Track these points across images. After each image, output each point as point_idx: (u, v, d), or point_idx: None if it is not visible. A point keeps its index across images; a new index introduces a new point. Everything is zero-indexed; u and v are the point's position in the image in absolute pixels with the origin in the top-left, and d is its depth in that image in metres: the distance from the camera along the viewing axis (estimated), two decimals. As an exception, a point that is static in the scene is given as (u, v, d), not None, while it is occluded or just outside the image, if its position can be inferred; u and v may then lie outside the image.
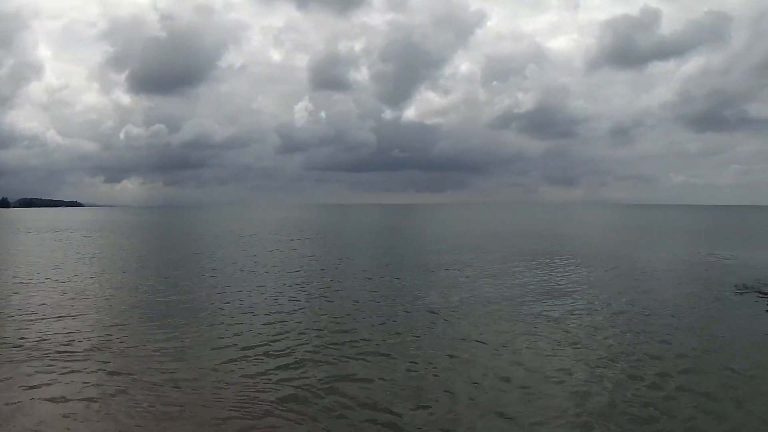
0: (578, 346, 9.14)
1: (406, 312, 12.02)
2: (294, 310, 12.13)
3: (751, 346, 9.09)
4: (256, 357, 8.52)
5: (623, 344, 9.26)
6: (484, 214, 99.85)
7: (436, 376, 7.73)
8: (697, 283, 15.71)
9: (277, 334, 9.95)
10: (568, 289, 14.80)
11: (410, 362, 8.30)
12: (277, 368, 7.97)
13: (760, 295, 13.33)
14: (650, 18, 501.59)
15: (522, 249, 26.91)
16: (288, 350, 8.93)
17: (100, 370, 7.91)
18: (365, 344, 9.31)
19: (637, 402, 6.67)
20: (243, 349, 8.95)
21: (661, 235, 41.37)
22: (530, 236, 37.38)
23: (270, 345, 9.20)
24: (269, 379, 7.48)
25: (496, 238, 36.52)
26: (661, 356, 8.45)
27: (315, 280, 16.83)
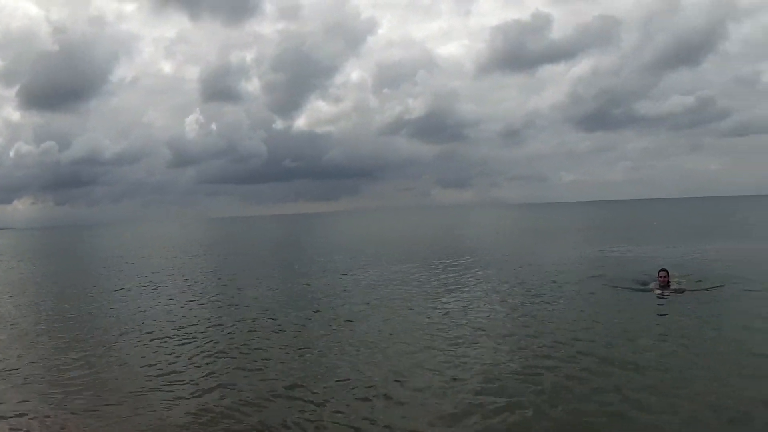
0: (483, 341, 9.58)
1: (310, 319, 12.19)
2: (203, 325, 11.96)
3: (640, 336, 9.46)
4: (171, 378, 8.30)
5: (524, 338, 9.65)
6: (377, 220, 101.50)
7: (354, 377, 7.94)
8: (588, 277, 15.92)
9: (189, 351, 9.82)
10: (469, 289, 15.14)
11: (324, 365, 8.59)
12: (197, 389, 7.77)
13: (653, 291, 13.34)
14: (541, 22, 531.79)
15: (419, 252, 27.23)
16: (204, 367, 8.83)
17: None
18: (279, 355, 9.41)
19: (541, 388, 7.12)
20: (158, 372, 8.62)
21: (553, 232, 42.53)
22: (426, 239, 38.25)
23: (184, 364, 9.03)
24: (189, 401, 7.29)
25: (391, 243, 37.01)
26: (557, 355, 8.57)
27: (218, 294, 16.62)
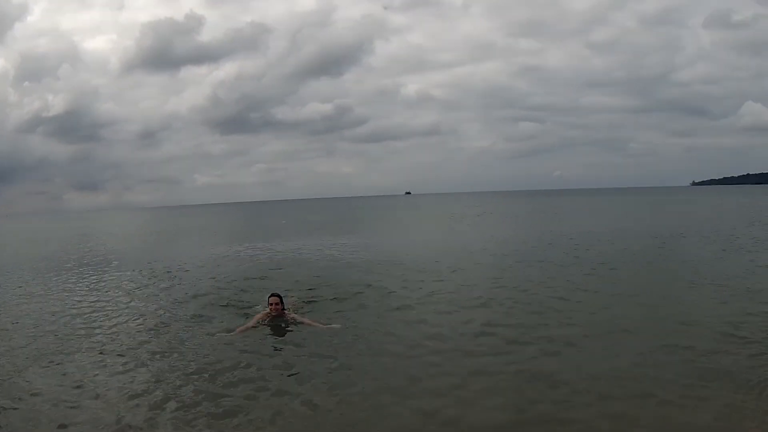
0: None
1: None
2: None
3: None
4: None
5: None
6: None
7: None
8: (192, 300, 12.24)
9: None
10: (102, 300, 13.09)
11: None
12: None
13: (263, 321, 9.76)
14: (193, 23, 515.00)
15: (39, 262, 22.94)
16: None
17: None
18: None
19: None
20: None
21: (177, 237, 38.89)
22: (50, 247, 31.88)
23: None
24: None
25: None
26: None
27: None
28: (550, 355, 7.88)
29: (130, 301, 12.68)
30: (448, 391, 6.66)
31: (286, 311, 9.81)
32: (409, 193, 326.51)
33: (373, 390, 6.84)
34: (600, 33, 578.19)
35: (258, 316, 9.82)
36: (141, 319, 10.80)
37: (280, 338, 9.12)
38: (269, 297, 9.83)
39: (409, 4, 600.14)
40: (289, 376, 7.40)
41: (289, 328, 9.47)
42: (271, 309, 9.63)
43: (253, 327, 9.52)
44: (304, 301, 11.50)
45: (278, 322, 9.61)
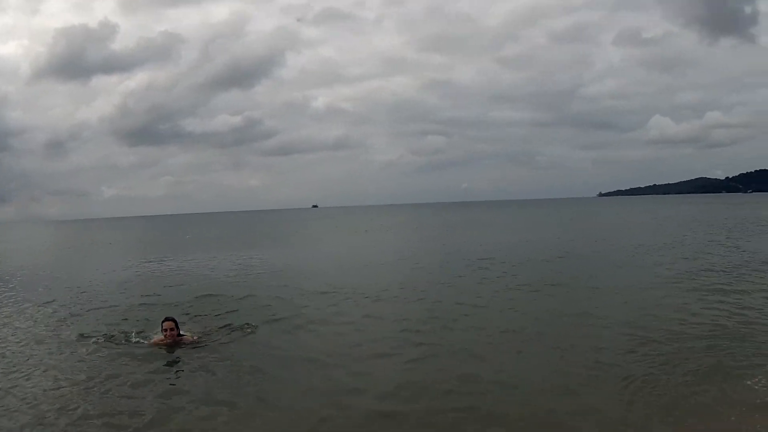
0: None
1: None
2: None
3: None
4: None
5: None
6: None
7: None
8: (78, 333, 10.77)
9: None
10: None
11: None
12: None
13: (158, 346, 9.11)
14: (107, 31, 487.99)
15: None
16: None
17: None
18: None
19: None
20: None
21: (86, 251, 37.29)
22: None
23: None
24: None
25: None
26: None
27: None
28: (457, 355, 8.28)
29: (26, 321, 11.73)
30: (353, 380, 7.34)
31: (183, 335, 9.13)
32: (316, 206, 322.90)
33: (277, 394, 7.05)
34: (510, 49, 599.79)
35: (154, 340, 9.06)
36: (35, 340, 9.95)
37: (179, 360, 8.47)
38: (163, 322, 9.07)
39: (322, 18, 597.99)
40: (186, 390, 7.19)
41: (188, 349, 8.86)
42: (166, 336, 8.90)
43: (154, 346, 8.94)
44: (204, 316, 11.12)
45: (177, 347, 8.89)
